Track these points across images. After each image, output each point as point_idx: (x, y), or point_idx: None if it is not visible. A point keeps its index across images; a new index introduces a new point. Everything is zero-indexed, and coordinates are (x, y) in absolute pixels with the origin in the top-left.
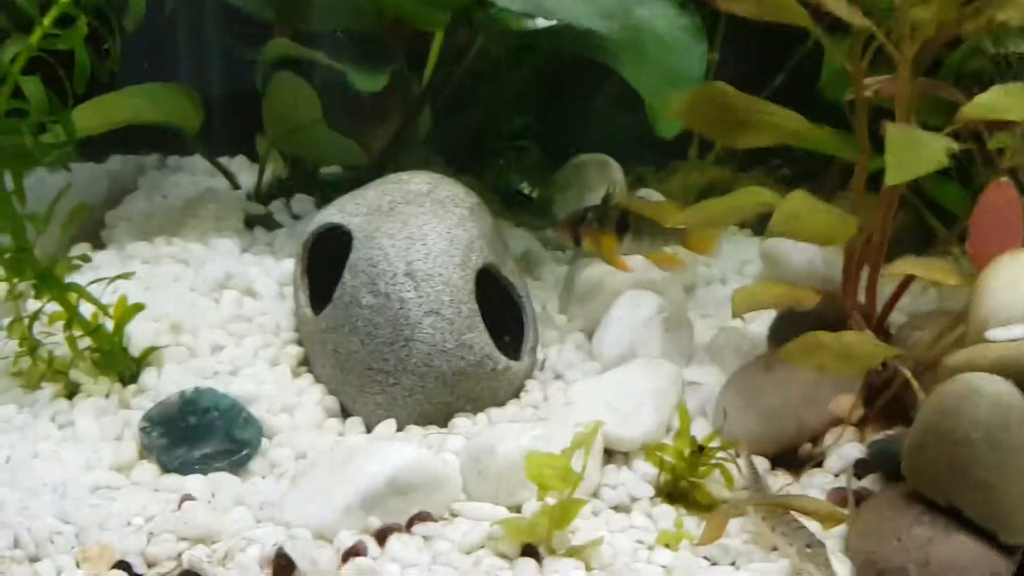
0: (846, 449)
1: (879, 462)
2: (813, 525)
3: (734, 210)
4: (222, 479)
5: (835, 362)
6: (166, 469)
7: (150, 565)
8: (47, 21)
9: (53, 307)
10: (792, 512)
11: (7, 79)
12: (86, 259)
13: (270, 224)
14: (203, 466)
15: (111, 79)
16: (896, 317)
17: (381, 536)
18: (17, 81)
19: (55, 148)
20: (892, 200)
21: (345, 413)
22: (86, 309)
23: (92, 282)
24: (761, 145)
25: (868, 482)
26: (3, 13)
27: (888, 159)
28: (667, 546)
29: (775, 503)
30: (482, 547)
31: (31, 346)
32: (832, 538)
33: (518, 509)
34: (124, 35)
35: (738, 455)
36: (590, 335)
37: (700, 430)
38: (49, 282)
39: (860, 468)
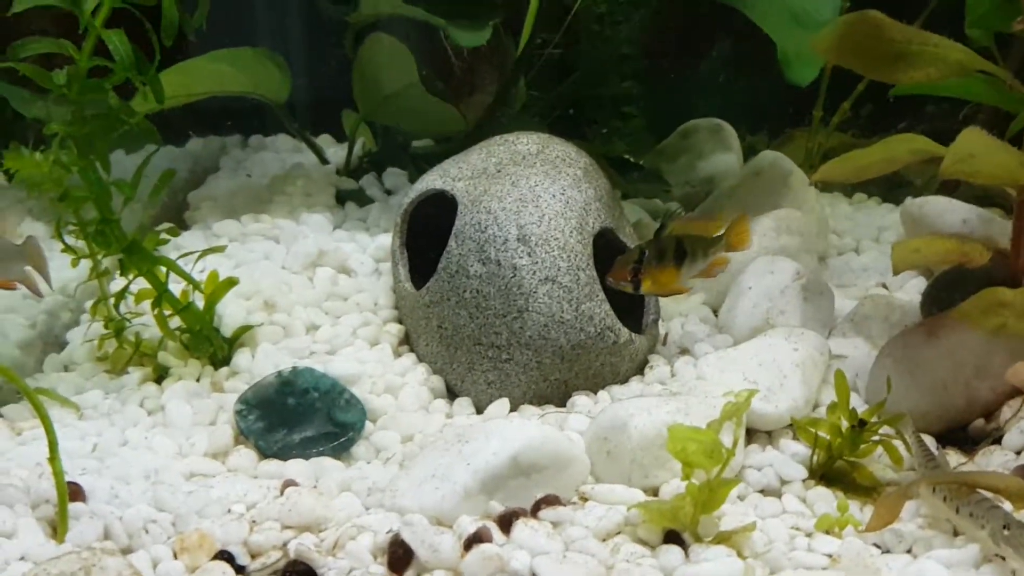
0: None
1: None
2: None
3: (884, 160)
4: (325, 464)
5: (1019, 322)
6: (264, 455)
7: (253, 555)
8: None
9: (138, 286)
10: (980, 491)
11: (89, 33)
12: (175, 232)
13: (362, 199)
14: (304, 450)
15: (199, 37)
16: None
17: (505, 522)
18: (100, 35)
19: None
20: None
21: (452, 394)
22: (174, 288)
23: (180, 256)
24: (920, 80)
25: None
26: None
27: None
28: (828, 532)
29: (959, 481)
30: (619, 533)
31: (117, 327)
32: None
33: (654, 492)
34: None
35: (902, 431)
36: (714, 309)
37: (854, 407)
38: (137, 255)
39: None
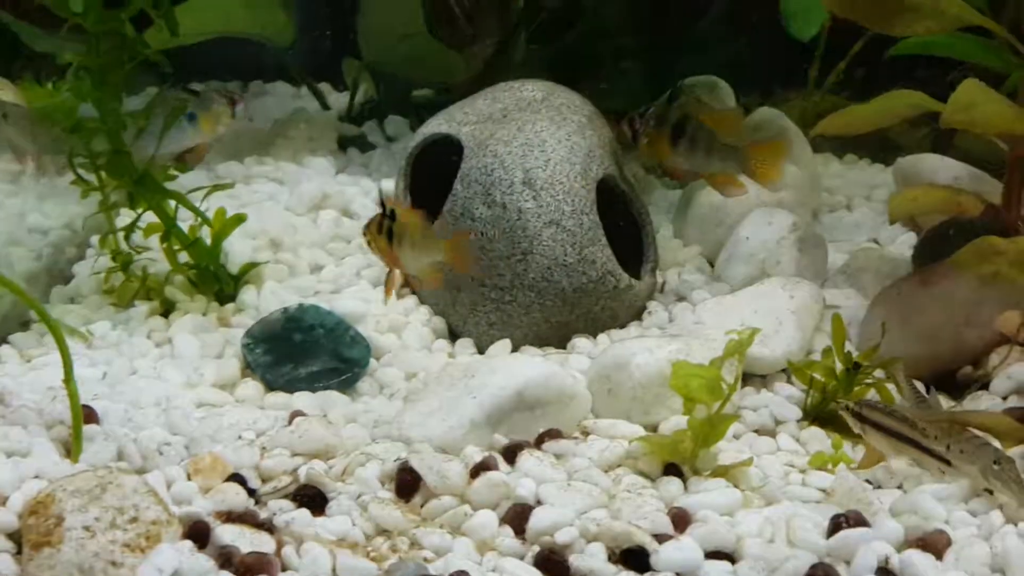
0: (1015, 370)
1: None
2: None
3: (883, 113)
4: (331, 397)
5: (1012, 270)
6: (271, 387)
7: (264, 479)
8: None
9: (145, 221)
10: (970, 429)
11: None
12: (183, 168)
13: (364, 145)
14: (310, 384)
15: None
16: None
17: (510, 453)
18: None
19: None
20: None
21: (453, 335)
22: (181, 225)
23: (189, 191)
24: (919, 33)
25: None
26: None
27: None
28: (822, 469)
29: (950, 420)
30: (620, 465)
31: (124, 261)
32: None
33: (653, 429)
34: None
35: (893, 375)
36: (710, 260)
37: (849, 351)
38: (149, 187)
39: None
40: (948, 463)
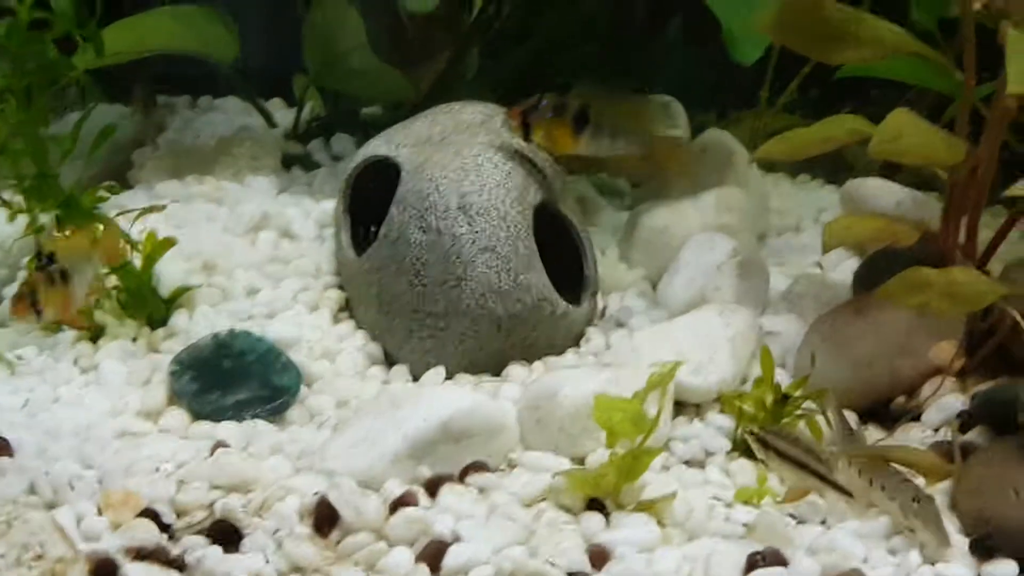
0: (947, 401)
1: (985, 414)
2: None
3: (822, 139)
4: (258, 427)
5: (941, 301)
6: (197, 416)
7: (179, 514)
8: None
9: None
10: (893, 465)
11: None
12: (116, 190)
13: (308, 164)
14: (237, 413)
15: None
16: (992, 266)
17: (432, 486)
18: None
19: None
20: (1002, 124)
21: (389, 361)
22: None
23: (118, 214)
24: (856, 60)
25: (973, 436)
26: None
27: (1010, 67)
28: (747, 503)
29: (873, 455)
30: (543, 500)
31: None
32: (935, 494)
33: (581, 461)
34: None
35: (824, 406)
36: (654, 284)
37: (780, 381)
38: (74, 211)
39: (964, 421)
40: (850, 495)
